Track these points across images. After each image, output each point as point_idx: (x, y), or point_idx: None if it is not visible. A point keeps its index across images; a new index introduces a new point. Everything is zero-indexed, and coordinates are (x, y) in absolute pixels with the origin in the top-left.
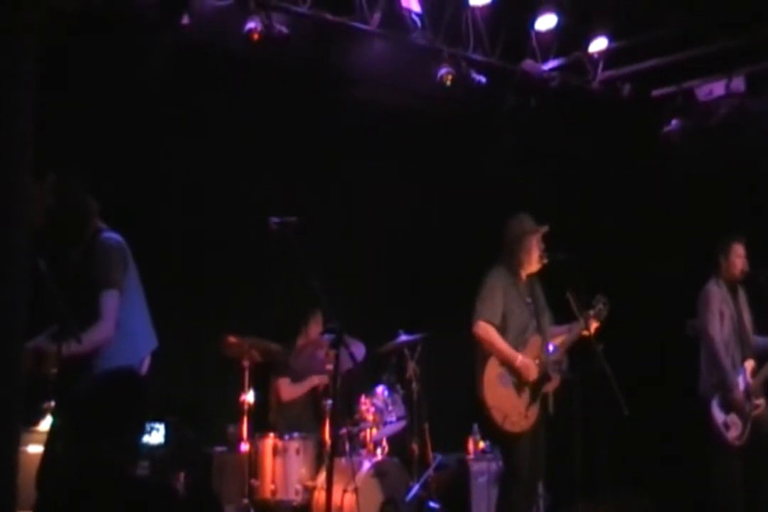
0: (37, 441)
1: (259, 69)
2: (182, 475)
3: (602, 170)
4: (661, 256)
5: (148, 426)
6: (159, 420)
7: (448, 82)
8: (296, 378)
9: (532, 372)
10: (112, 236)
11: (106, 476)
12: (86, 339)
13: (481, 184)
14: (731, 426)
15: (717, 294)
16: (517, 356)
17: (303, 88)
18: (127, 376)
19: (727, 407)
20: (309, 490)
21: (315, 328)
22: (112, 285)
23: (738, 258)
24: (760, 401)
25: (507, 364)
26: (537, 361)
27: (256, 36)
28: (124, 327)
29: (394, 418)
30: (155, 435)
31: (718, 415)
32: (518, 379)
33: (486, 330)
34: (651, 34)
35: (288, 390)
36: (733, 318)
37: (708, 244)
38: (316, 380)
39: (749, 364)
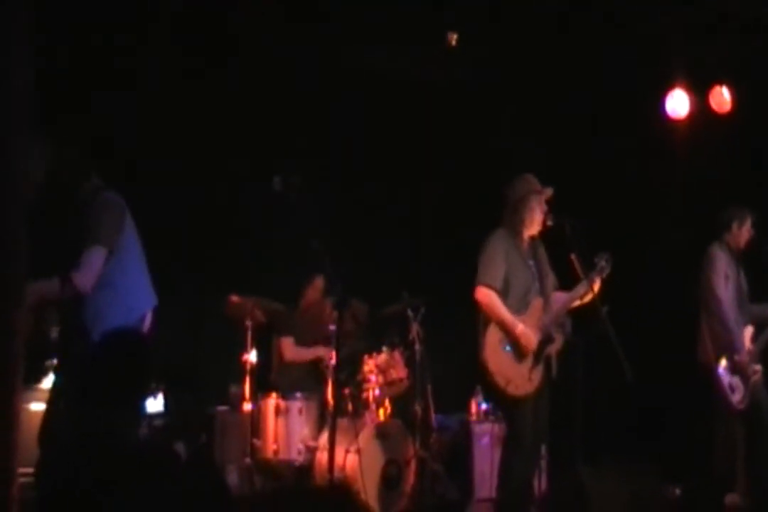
0: (39, 399)
1: (257, 32)
2: (181, 444)
3: (607, 136)
4: (666, 220)
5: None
6: (158, 387)
7: (453, 42)
8: (301, 340)
9: (532, 342)
10: (110, 196)
11: (109, 439)
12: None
13: (484, 148)
14: (735, 389)
15: (723, 257)
16: (517, 324)
17: (302, 49)
18: (131, 339)
19: (733, 369)
20: (311, 450)
21: (314, 292)
22: (100, 241)
23: (747, 231)
24: (758, 367)
25: (507, 332)
26: (540, 323)
27: None
28: (122, 287)
29: (396, 380)
30: (154, 403)
31: (725, 377)
32: (519, 346)
33: (487, 295)
34: None
35: (292, 350)
36: (736, 284)
37: (712, 209)
38: (321, 351)
39: (748, 330)
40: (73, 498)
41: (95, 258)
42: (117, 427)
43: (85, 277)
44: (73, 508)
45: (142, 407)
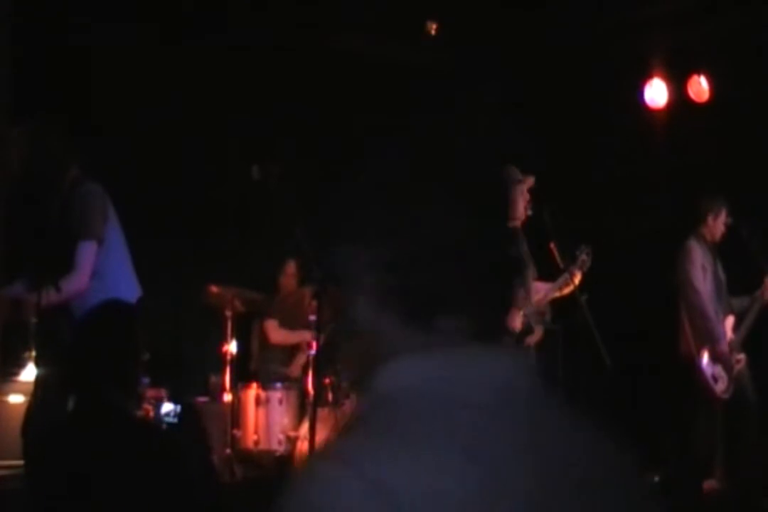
0: (17, 391)
1: (241, 15)
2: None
3: (585, 126)
4: (646, 210)
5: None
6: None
7: (432, 31)
8: (285, 324)
9: (516, 323)
10: (92, 186)
11: (109, 420)
12: (62, 288)
13: (467, 135)
14: (719, 379)
15: (698, 249)
16: None
17: (286, 32)
18: (118, 310)
19: (714, 360)
20: (292, 440)
21: (288, 278)
22: (90, 235)
23: (723, 223)
24: (741, 356)
25: None
26: (521, 313)
27: None
28: (106, 277)
29: None
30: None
31: (707, 368)
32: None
33: None
34: None
35: (277, 332)
36: (713, 275)
37: (692, 198)
38: (307, 335)
39: (729, 320)
40: (63, 479)
41: (87, 255)
42: (117, 408)
43: (82, 278)
44: (64, 490)
45: (136, 385)
